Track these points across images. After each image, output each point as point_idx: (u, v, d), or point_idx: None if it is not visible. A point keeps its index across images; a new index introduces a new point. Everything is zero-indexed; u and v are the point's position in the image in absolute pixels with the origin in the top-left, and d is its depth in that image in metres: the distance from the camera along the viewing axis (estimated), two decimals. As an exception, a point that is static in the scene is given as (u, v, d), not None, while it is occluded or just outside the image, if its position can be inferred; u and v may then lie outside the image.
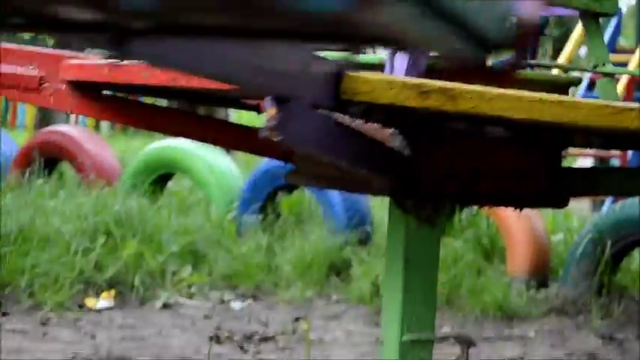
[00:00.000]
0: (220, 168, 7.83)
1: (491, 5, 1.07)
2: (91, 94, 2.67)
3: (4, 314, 5.18)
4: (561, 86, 2.41)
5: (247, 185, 7.41)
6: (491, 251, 6.91)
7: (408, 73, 2.27)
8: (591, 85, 10.18)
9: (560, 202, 2.45)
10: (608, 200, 8.22)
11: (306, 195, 7.62)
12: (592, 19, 2.36)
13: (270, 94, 1.78)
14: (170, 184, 8.60)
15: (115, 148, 9.63)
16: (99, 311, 5.48)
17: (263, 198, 7.32)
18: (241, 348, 4.99)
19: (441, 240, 2.69)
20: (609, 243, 5.93)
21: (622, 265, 6.24)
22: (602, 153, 9.13)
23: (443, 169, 2.41)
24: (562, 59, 8.94)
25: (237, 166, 8.18)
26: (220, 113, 17.05)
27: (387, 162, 2.40)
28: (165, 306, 5.75)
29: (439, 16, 1.04)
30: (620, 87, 8.06)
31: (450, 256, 6.38)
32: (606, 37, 11.08)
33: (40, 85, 2.64)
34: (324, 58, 1.96)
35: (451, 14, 0.97)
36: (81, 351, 4.61)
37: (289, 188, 7.46)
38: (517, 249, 6.56)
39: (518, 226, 6.58)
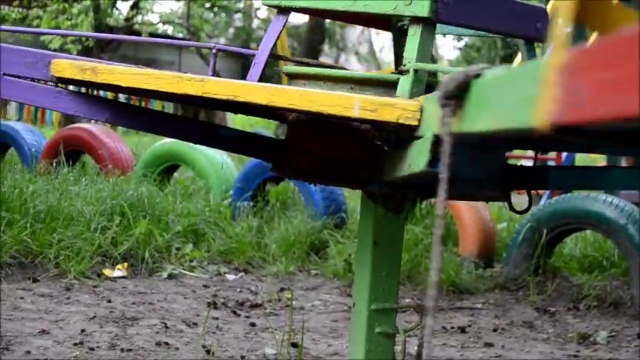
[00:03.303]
0: (218, 161, 7.85)
1: None
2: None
3: (35, 280, 5.19)
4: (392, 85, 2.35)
5: (240, 176, 7.43)
6: (446, 236, 6.95)
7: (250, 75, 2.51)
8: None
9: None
10: (545, 194, 8.26)
11: (290, 185, 7.65)
12: (421, 23, 2.30)
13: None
14: (176, 174, 8.61)
15: (129, 143, 9.62)
16: (114, 280, 5.49)
17: (254, 187, 7.35)
18: (234, 313, 5.01)
19: (404, 226, 2.72)
20: (545, 231, 5.98)
21: (556, 249, 6.29)
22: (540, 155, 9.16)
23: (294, 151, 2.49)
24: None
25: (232, 160, 8.20)
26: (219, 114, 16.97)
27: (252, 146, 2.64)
28: (170, 276, 5.77)
29: None
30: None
31: (411, 239, 6.42)
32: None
33: None
34: (37, 52, 2.59)
35: None
36: (99, 312, 4.62)
37: (276, 179, 7.49)
38: (468, 234, 6.60)
39: (469, 215, 6.63)
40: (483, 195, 2.56)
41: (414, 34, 2.25)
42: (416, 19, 2.25)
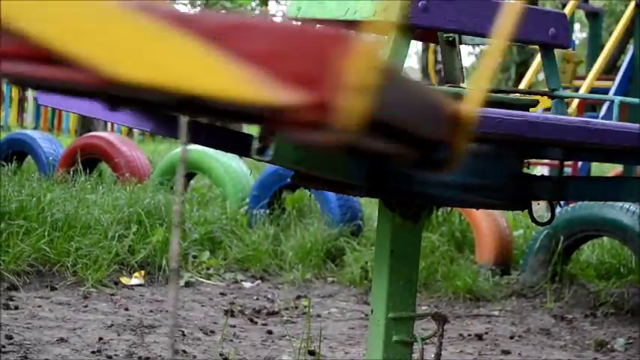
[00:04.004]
0: (235, 169, 7.86)
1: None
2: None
3: (53, 289, 5.21)
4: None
5: (257, 184, 7.44)
6: (463, 243, 6.94)
7: None
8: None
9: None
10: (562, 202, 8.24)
11: (306, 193, 7.65)
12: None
13: None
14: (192, 182, 8.62)
15: (145, 151, 9.64)
16: (132, 287, 5.51)
17: (270, 195, 7.35)
18: (251, 320, 5.02)
19: (422, 234, 2.72)
20: (562, 238, 5.97)
21: (572, 256, 6.27)
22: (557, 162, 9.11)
23: None
24: (523, 84, 8.95)
25: (248, 168, 8.21)
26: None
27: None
28: (187, 284, 5.78)
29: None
30: (573, 108, 8.08)
31: (428, 247, 6.42)
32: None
33: None
34: None
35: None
36: (116, 320, 4.64)
37: (292, 187, 7.49)
38: (484, 242, 6.59)
39: (486, 222, 6.62)
40: (490, 203, 2.53)
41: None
42: (391, 24, 2.29)
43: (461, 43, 2.65)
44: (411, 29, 2.30)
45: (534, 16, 2.43)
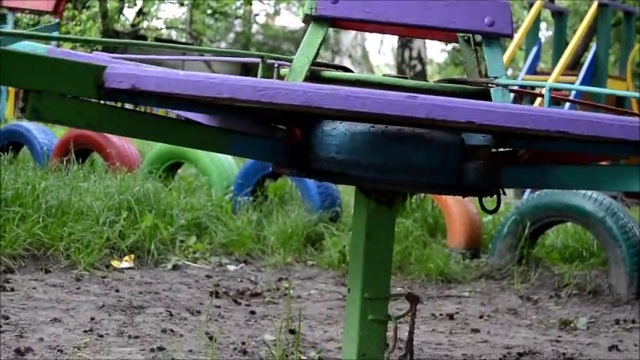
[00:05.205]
0: (220, 159, 7.84)
1: None
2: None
3: (47, 272, 5.18)
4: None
5: (241, 173, 7.43)
6: (435, 228, 6.96)
7: None
8: (516, 100, 10.19)
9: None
10: (528, 189, 8.26)
11: (288, 181, 7.65)
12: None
13: None
14: (180, 171, 8.60)
15: (135, 142, 9.60)
16: (122, 270, 5.49)
17: (253, 183, 7.35)
18: (235, 301, 5.01)
19: (396, 219, 2.70)
20: (528, 223, 5.99)
21: (538, 241, 6.29)
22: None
23: None
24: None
25: (233, 158, 8.19)
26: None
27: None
28: (175, 267, 5.76)
29: None
30: (538, 100, 8.09)
31: (402, 231, 6.43)
32: (529, 61, 11.14)
33: None
34: None
35: None
36: (107, 301, 4.62)
37: (275, 176, 7.48)
38: (456, 227, 6.61)
39: (457, 209, 6.63)
40: (419, 185, 2.43)
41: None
42: (307, 17, 2.33)
43: (477, 43, 2.58)
44: (322, 20, 2.31)
45: (471, 7, 2.40)
